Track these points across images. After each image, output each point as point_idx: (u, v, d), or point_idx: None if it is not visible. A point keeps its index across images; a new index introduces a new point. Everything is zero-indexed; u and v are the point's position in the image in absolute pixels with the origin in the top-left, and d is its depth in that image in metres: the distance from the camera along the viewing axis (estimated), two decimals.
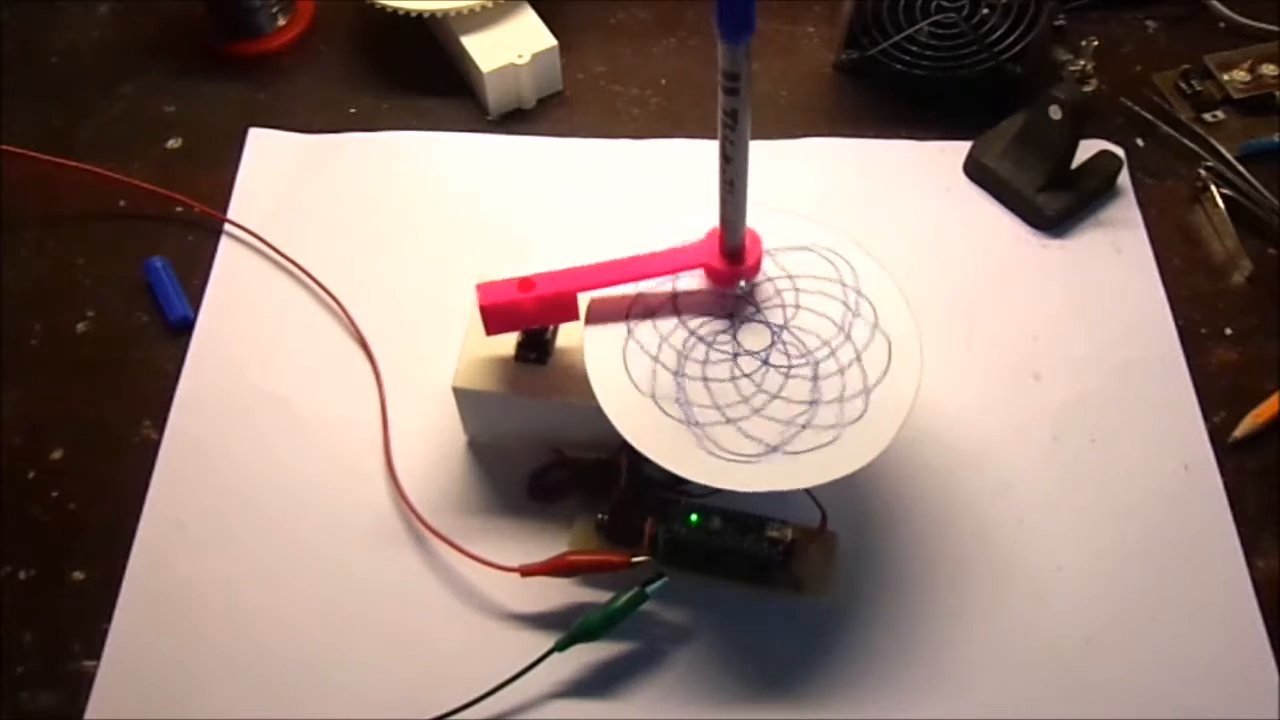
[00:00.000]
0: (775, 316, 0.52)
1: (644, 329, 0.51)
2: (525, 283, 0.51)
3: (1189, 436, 0.58)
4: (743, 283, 0.52)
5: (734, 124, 0.45)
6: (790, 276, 0.53)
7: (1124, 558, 0.54)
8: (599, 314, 0.52)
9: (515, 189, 0.68)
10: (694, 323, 0.51)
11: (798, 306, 0.52)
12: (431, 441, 0.58)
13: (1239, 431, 0.58)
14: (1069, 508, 0.56)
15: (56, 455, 0.58)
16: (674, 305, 0.52)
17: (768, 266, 0.53)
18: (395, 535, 0.55)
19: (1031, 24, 0.67)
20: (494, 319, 0.52)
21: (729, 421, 0.49)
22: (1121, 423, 0.58)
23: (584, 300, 0.52)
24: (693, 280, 0.52)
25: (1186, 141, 0.69)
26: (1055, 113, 0.62)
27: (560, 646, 0.50)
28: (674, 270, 0.52)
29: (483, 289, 0.51)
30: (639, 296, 0.52)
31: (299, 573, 0.54)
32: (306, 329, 0.62)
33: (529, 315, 0.52)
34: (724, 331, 0.51)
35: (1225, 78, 0.70)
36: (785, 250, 0.54)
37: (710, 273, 0.52)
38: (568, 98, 0.72)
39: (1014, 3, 0.66)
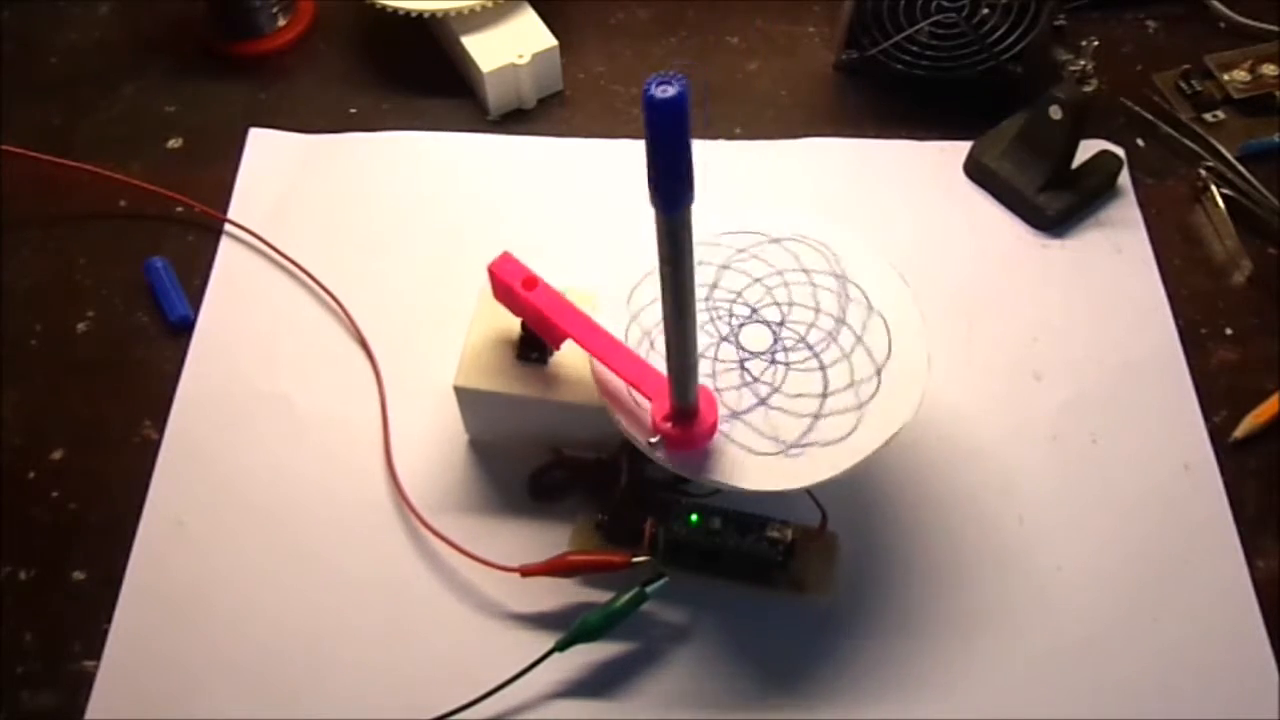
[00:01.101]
0: (773, 314, 0.52)
1: (650, 308, 0.51)
2: (530, 280, 0.51)
3: (1189, 436, 0.58)
4: (653, 439, 0.48)
5: (672, 286, 0.41)
6: (780, 272, 0.53)
7: (1124, 558, 0.54)
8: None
9: (515, 189, 0.68)
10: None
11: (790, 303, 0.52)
12: (431, 441, 0.58)
13: (1239, 431, 0.58)
14: (1069, 508, 0.56)
15: (56, 455, 0.58)
16: None
17: (762, 272, 0.53)
18: (395, 535, 0.55)
19: (1032, 24, 0.67)
20: (497, 287, 0.52)
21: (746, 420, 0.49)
22: (1121, 423, 0.58)
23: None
24: None
25: (1187, 141, 0.69)
26: (1055, 113, 0.62)
27: (560, 646, 0.50)
28: (638, 388, 0.49)
29: (503, 258, 0.52)
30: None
31: (299, 572, 0.54)
32: (306, 329, 0.62)
33: (522, 309, 0.52)
34: (727, 338, 0.51)
35: (1225, 78, 0.70)
36: (778, 241, 0.54)
37: (656, 428, 0.48)
38: (568, 98, 0.72)
39: (1014, 3, 0.66)
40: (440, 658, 0.52)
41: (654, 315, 0.51)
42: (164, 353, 0.61)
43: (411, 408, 0.59)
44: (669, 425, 0.47)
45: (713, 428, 0.48)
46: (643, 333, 0.52)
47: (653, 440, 0.48)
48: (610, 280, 0.53)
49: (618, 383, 0.50)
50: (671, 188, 0.37)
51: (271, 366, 0.61)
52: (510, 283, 0.51)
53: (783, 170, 0.68)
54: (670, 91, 0.34)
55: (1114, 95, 0.70)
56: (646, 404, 0.49)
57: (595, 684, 0.51)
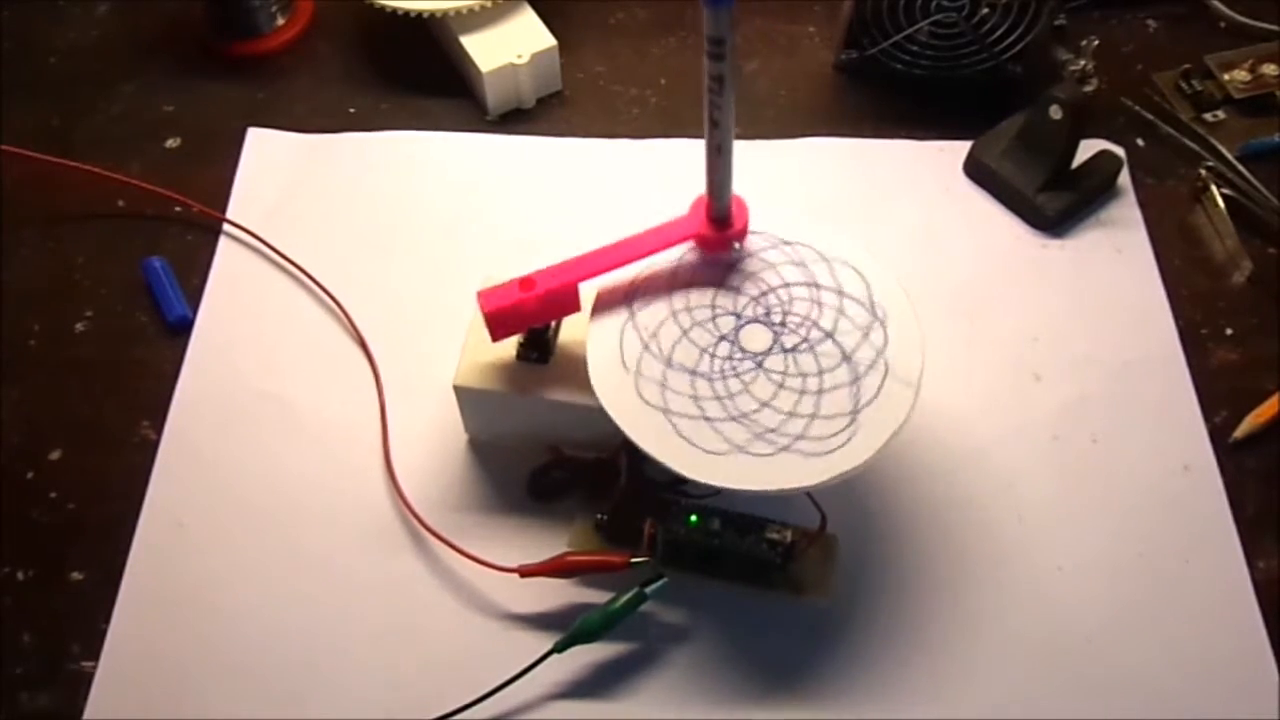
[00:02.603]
0: (776, 316, 0.52)
1: (646, 311, 0.52)
2: (525, 282, 0.51)
3: (1189, 437, 0.58)
4: (737, 245, 0.52)
5: (719, 89, 0.45)
6: (780, 273, 0.53)
7: (1124, 558, 0.54)
8: (602, 305, 0.52)
9: (515, 189, 0.68)
10: (697, 311, 0.51)
11: (792, 303, 0.52)
12: (431, 441, 0.58)
13: (1239, 432, 0.58)
14: (1069, 508, 0.56)
15: (55, 455, 0.58)
16: (672, 285, 0.52)
17: (785, 272, 0.53)
18: (394, 535, 0.55)
19: (1032, 24, 0.67)
20: (498, 324, 0.52)
21: (710, 420, 0.49)
22: (1121, 423, 0.58)
23: (586, 292, 0.52)
24: (690, 257, 0.53)
25: (1187, 141, 0.68)
26: (1055, 112, 0.62)
27: (559, 647, 0.50)
28: (666, 245, 0.52)
29: (484, 295, 0.51)
30: (635, 284, 0.52)
31: (298, 573, 0.54)
32: (306, 329, 0.62)
33: (532, 314, 0.52)
34: (726, 337, 0.51)
35: (1226, 77, 0.70)
36: (788, 245, 0.54)
37: (702, 242, 0.52)
38: (567, 98, 0.72)
39: (1014, 2, 0.66)
40: (439, 658, 0.52)
41: (653, 317, 0.52)
42: (163, 353, 0.61)
43: (411, 408, 0.59)
44: (714, 232, 0.52)
45: (745, 227, 0.52)
46: (643, 338, 0.51)
47: (737, 247, 0.52)
48: (609, 280, 0.53)
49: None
50: None
51: (270, 366, 0.61)
52: (510, 301, 0.51)
53: (782, 170, 0.68)
54: None
55: (1114, 95, 0.70)
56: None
57: (594, 685, 0.51)
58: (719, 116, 0.46)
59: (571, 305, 0.52)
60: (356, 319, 0.62)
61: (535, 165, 0.69)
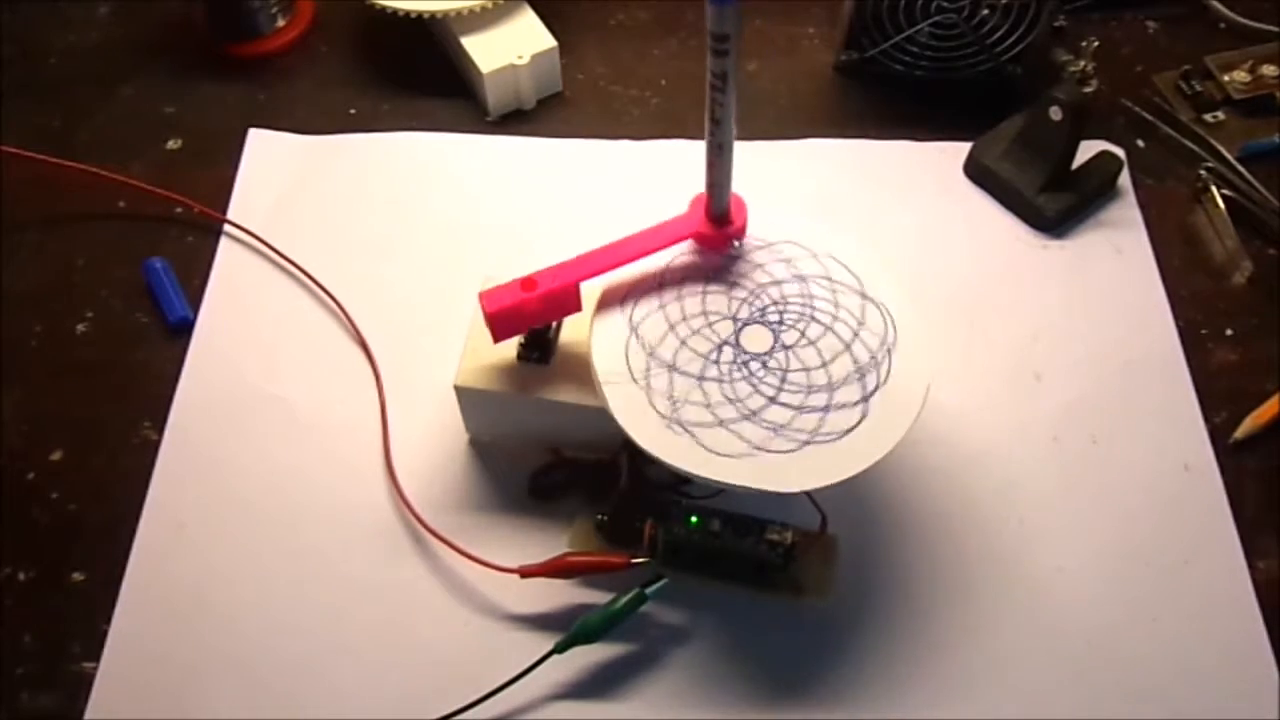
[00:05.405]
0: (774, 316, 0.52)
1: (648, 320, 0.51)
2: (527, 282, 0.51)
3: (1189, 437, 0.58)
4: (736, 243, 0.52)
5: (723, 86, 0.45)
6: (803, 278, 0.53)
7: (1124, 558, 0.54)
8: (604, 311, 0.52)
9: (515, 189, 0.68)
10: (693, 320, 0.51)
11: (809, 307, 0.52)
12: (431, 441, 0.58)
13: (1239, 432, 0.58)
14: (1069, 508, 0.56)
15: (56, 456, 0.58)
16: (673, 287, 0.53)
17: (777, 270, 0.53)
18: (395, 536, 0.55)
19: (1031, 25, 0.67)
20: (500, 324, 0.51)
21: (722, 423, 0.49)
22: (1122, 423, 0.58)
23: (587, 291, 0.52)
24: (687, 257, 0.53)
25: (1187, 142, 0.69)
26: (1055, 113, 0.62)
27: (560, 648, 0.50)
28: (666, 243, 0.52)
29: (486, 296, 0.51)
30: (638, 283, 0.53)
31: (298, 573, 0.54)
32: (306, 329, 0.62)
33: (534, 314, 0.52)
34: (727, 342, 0.51)
35: (1225, 78, 0.70)
36: (790, 246, 0.54)
37: (701, 240, 0.52)
38: (568, 98, 0.72)
39: (1014, 3, 0.66)
40: (439, 659, 0.52)
41: (655, 329, 0.51)
42: (163, 354, 0.61)
43: (411, 408, 0.59)
44: (713, 230, 0.52)
45: (744, 225, 0.53)
46: (646, 349, 0.51)
47: (736, 245, 0.53)
48: (609, 281, 0.53)
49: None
50: None
51: (271, 367, 0.61)
52: (512, 301, 0.50)
53: (782, 171, 0.68)
54: None
55: (1114, 96, 0.70)
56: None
57: (595, 685, 0.51)
58: (720, 115, 0.46)
59: (573, 305, 0.52)
60: (357, 319, 0.62)
61: (535, 166, 0.69)
